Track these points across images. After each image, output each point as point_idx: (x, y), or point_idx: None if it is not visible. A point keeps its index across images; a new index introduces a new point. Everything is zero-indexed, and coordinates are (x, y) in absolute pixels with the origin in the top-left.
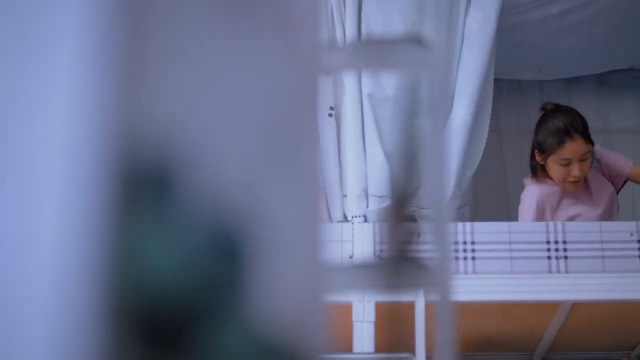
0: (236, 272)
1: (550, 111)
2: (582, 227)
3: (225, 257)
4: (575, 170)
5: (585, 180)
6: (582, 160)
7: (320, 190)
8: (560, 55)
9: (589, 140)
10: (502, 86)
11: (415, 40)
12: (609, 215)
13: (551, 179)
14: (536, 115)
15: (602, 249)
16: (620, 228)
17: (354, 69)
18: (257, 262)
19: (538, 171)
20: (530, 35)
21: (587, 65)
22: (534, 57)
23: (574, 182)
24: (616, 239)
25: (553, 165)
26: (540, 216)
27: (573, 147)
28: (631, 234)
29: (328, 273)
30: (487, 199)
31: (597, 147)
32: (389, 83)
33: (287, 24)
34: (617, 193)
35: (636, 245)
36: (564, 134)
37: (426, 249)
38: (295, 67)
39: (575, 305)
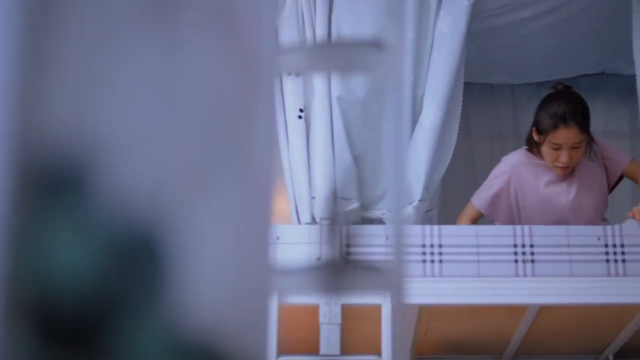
0: (152, 273)
1: (557, 93)
2: (550, 230)
3: (140, 258)
4: (563, 157)
5: (575, 168)
6: (573, 148)
7: (268, 191)
8: (531, 59)
9: (585, 131)
10: (473, 90)
11: (374, 44)
12: (589, 208)
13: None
14: (507, 119)
15: (569, 253)
16: (588, 232)
17: (312, 71)
18: (175, 264)
19: (533, 146)
20: (501, 39)
21: (558, 70)
22: (505, 61)
23: (561, 167)
24: (583, 243)
25: (545, 147)
26: (505, 184)
27: (565, 134)
28: (598, 238)
29: (271, 275)
30: (457, 202)
31: (598, 139)
32: (359, 86)
33: (226, 25)
34: (613, 187)
35: (603, 250)
36: (559, 120)
37: (384, 251)
38: (231, 67)
39: (542, 309)
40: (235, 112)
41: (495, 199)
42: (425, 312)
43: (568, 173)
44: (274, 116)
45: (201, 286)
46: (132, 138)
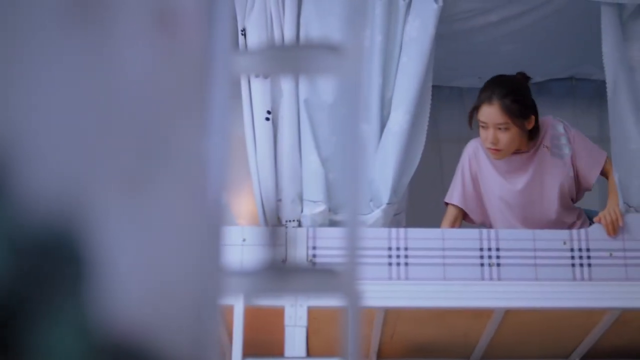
0: (67, 273)
1: (513, 76)
2: (516, 234)
3: (55, 258)
4: (489, 136)
5: (531, 160)
6: (499, 129)
7: (211, 192)
8: (500, 63)
9: (512, 114)
10: (443, 93)
11: (332, 47)
12: (539, 202)
13: None
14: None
15: (534, 257)
16: (554, 236)
17: (267, 74)
18: (93, 263)
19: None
20: (469, 43)
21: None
22: (473, 64)
23: (492, 149)
24: (549, 247)
25: (480, 128)
26: (468, 172)
27: (488, 112)
28: (564, 243)
29: (215, 276)
30: (426, 206)
31: (574, 133)
32: (326, 89)
33: (167, 25)
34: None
35: (569, 254)
36: (485, 97)
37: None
38: (171, 68)
39: (508, 313)
40: (172, 112)
41: (465, 190)
42: (392, 315)
43: (500, 157)
44: (225, 119)
45: (123, 286)
46: (49, 138)
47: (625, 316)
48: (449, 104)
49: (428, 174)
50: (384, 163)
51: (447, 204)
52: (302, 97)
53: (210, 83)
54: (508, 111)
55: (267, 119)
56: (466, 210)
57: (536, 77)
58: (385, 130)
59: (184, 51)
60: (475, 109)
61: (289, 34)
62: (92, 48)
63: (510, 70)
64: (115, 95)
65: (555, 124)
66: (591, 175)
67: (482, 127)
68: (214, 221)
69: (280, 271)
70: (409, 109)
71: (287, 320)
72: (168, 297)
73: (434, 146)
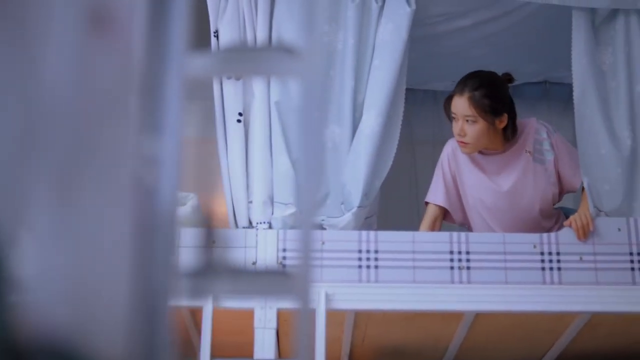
0: None
1: (491, 72)
2: (486, 237)
3: None
4: (457, 128)
5: (515, 164)
6: (467, 121)
7: (141, 193)
8: (473, 66)
9: (482, 109)
10: (417, 96)
11: (286, 48)
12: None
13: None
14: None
15: (505, 260)
16: (524, 240)
17: (223, 75)
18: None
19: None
20: (443, 46)
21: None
22: (447, 68)
23: (460, 142)
24: (519, 251)
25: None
26: (447, 177)
27: (457, 103)
28: (534, 246)
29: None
30: (399, 209)
31: (556, 138)
32: (296, 91)
33: (101, 25)
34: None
35: (539, 257)
36: (457, 88)
37: (320, 256)
38: (103, 68)
39: (479, 316)
40: (105, 114)
41: (447, 190)
42: (363, 317)
43: (467, 151)
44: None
45: (45, 288)
46: None
47: (595, 320)
48: (423, 107)
49: (402, 177)
50: (356, 166)
51: (427, 203)
52: (273, 99)
53: (155, 84)
54: (477, 104)
55: (239, 120)
56: (449, 210)
57: None
58: (357, 133)
59: (120, 51)
60: (448, 99)
61: (261, 36)
62: (8, 45)
63: None
64: (38, 97)
65: (539, 128)
66: (576, 179)
67: (453, 118)
68: (161, 223)
69: (231, 273)
70: (381, 112)
71: (257, 323)
72: (95, 299)
73: (408, 149)
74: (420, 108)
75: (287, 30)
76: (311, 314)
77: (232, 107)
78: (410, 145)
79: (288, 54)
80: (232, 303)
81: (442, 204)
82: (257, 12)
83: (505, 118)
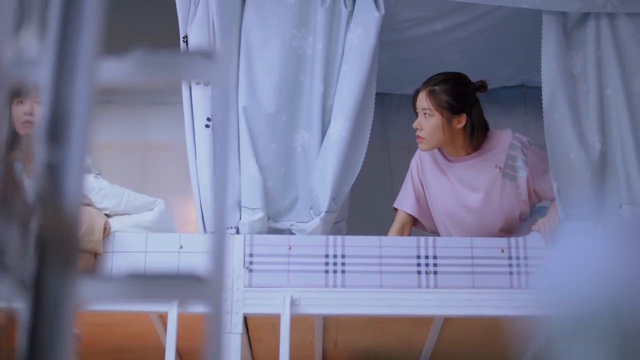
0: None
1: (457, 73)
2: (453, 242)
3: None
4: (415, 121)
5: (483, 178)
6: (425, 114)
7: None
8: (448, 70)
9: (439, 104)
10: (393, 101)
11: (199, 53)
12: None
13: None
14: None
15: (472, 265)
16: (492, 244)
17: (136, 81)
18: None
19: None
20: (417, 51)
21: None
22: (422, 72)
23: (418, 138)
24: (487, 255)
25: None
26: (416, 184)
27: (418, 97)
28: (502, 250)
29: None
30: (375, 214)
31: (531, 155)
32: (266, 97)
33: None
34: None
35: (507, 262)
36: (422, 84)
37: (287, 261)
38: None
39: (448, 321)
40: None
41: (417, 197)
42: (332, 322)
43: (424, 148)
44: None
45: None
46: None
47: None
48: (399, 112)
49: (377, 182)
50: (324, 171)
51: (395, 209)
52: (240, 104)
53: (62, 89)
54: (434, 97)
55: (207, 125)
56: (419, 218)
57: None
58: (325, 138)
59: None
60: (415, 95)
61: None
62: None
63: None
64: None
65: (513, 144)
66: (553, 192)
67: (416, 113)
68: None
69: (141, 277)
70: (349, 117)
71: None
72: None
73: (384, 154)
74: (395, 113)
75: (256, 35)
76: (223, 319)
77: (201, 112)
78: (386, 150)
79: (203, 58)
80: (124, 307)
81: (410, 212)
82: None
83: (463, 118)
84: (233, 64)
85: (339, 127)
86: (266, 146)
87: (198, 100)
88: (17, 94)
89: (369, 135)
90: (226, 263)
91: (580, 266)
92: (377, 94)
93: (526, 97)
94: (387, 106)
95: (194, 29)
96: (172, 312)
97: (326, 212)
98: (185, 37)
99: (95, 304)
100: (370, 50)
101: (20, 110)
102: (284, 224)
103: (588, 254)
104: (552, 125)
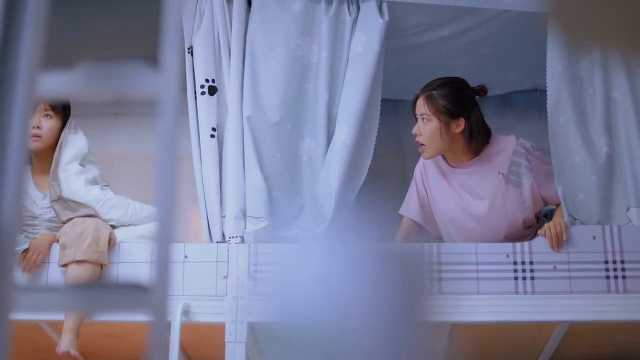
0: None
1: (455, 78)
2: (458, 248)
3: None
4: (415, 127)
5: (485, 185)
6: (423, 120)
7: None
8: (458, 76)
9: (437, 109)
10: (405, 108)
11: (147, 63)
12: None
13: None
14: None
15: (477, 271)
16: (497, 250)
17: (85, 93)
18: None
19: None
20: (426, 57)
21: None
22: (430, 78)
23: (418, 144)
24: (492, 261)
25: None
26: (421, 191)
27: (417, 103)
28: (507, 256)
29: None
30: (390, 220)
31: (535, 161)
32: (270, 106)
33: None
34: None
35: (512, 267)
36: (421, 90)
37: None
38: None
39: (456, 327)
40: None
41: (421, 203)
42: None
43: (426, 155)
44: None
45: None
46: None
47: (578, 328)
48: (412, 118)
49: (392, 187)
50: (328, 179)
51: (401, 216)
52: (245, 113)
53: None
54: (431, 102)
55: (212, 135)
56: (423, 224)
57: (497, 89)
58: (330, 146)
59: None
60: (414, 101)
61: (235, 51)
62: None
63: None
64: None
65: (517, 150)
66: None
67: (417, 119)
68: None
69: (84, 288)
70: (353, 125)
71: (227, 337)
72: None
73: (398, 160)
74: (409, 119)
75: (261, 44)
76: (166, 328)
77: (206, 122)
78: (400, 157)
79: (148, 69)
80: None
81: (414, 218)
82: (232, 27)
83: (462, 122)
84: (178, 75)
85: (343, 135)
86: (271, 155)
87: (203, 110)
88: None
89: (374, 143)
90: (170, 273)
91: (300, 277)
92: (390, 100)
93: (540, 101)
94: (400, 113)
95: (199, 39)
96: (175, 322)
97: (331, 219)
98: (190, 47)
99: (36, 314)
100: (374, 57)
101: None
102: (289, 232)
103: (306, 267)
104: (557, 128)
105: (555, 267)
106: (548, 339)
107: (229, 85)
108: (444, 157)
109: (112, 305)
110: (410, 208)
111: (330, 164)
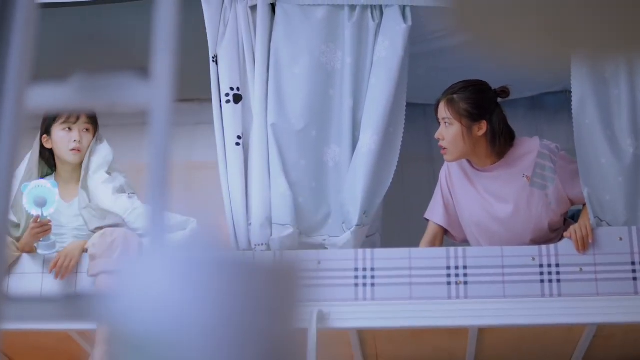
0: None
1: (476, 80)
2: (484, 252)
3: None
4: (437, 132)
5: (510, 188)
6: (445, 124)
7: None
8: (488, 79)
9: (458, 112)
10: (432, 112)
11: (138, 74)
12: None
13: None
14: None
15: (503, 274)
16: (523, 253)
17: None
18: None
19: None
20: (451, 61)
21: (520, 88)
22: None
23: (441, 149)
24: (518, 264)
25: None
26: (446, 195)
27: (439, 107)
28: (533, 259)
29: None
30: (420, 225)
31: (560, 162)
32: (295, 113)
33: None
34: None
35: (538, 270)
36: (442, 94)
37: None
38: None
39: (485, 330)
40: None
41: (447, 208)
42: (369, 335)
43: (449, 159)
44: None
45: None
46: None
47: (608, 330)
48: None
49: (421, 193)
50: (354, 185)
51: (427, 220)
52: (270, 121)
53: None
54: (453, 106)
55: (238, 144)
56: (448, 229)
57: (529, 91)
58: (355, 151)
59: None
60: (436, 105)
61: (260, 59)
62: None
63: (498, 86)
64: None
65: (542, 152)
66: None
67: (439, 123)
68: None
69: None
70: (378, 130)
71: None
72: None
73: (428, 165)
74: (438, 123)
75: (285, 52)
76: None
77: (232, 130)
78: (430, 162)
79: (138, 80)
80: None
81: (439, 222)
82: (256, 35)
83: (484, 125)
84: (170, 85)
85: (368, 140)
86: (296, 162)
87: (228, 118)
88: (64, 120)
89: (399, 147)
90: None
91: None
92: (418, 105)
93: (570, 103)
94: (429, 117)
95: (224, 48)
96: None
97: (357, 225)
98: (215, 56)
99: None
100: (398, 62)
101: (68, 137)
102: (316, 239)
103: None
104: (583, 130)
105: (581, 269)
106: (578, 341)
107: (254, 93)
108: (468, 161)
109: (89, 315)
110: (435, 212)
111: (355, 170)
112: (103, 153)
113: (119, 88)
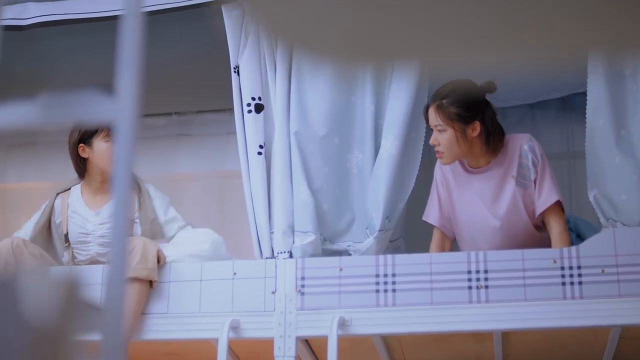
0: None
1: (463, 80)
2: (504, 255)
3: None
4: (432, 137)
5: (503, 189)
6: (438, 130)
7: None
8: (508, 82)
9: (449, 117)
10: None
11: (104, 91)
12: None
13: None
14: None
15: (524, 277)
16: (544, 255)
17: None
18: None
19: None
20: None
21: (548, 88)
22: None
23: (437, 153)
24: (539, 267)
25: None
26: (441, 194)
27: (429, 113)
28: (554, 261)
29: None
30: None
31: (541, 164)
32: (317, 121)
33: None
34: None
35: (559, 272)
36: (430, 99)
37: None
38: None
39: (509, 334)
40: None
41: (440, 207)
42: (395, 341)
43: (445, 162)
44: None
45: None
46: None
47: (634, 331)
48: None
49: None
50: (376, 190)
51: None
52: (292, 129)
53: None
54: (443, 112)
55: (260, 153)
56: (442, 228)
57: (558, 92)
58: (377, 157)
59: None
60: (425, 110)
61: (281, 68)
62: None
63: (518, 90)
64: None
65: (526, 152)
66: (550, 196)
67: (431, 129)
68: None
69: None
70: (399, 135)
71: (277, 351)
72: None
73: None
74: None
75: (307, 60)
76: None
77: (254, 139)
78: None
79: (104, 97)
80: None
81: (433, 222)
82: (277, 47)
83: (477, 126)
84: (135, 101)
85: (389, 145)
86: (319, 169)
87: (250, 128)
88: (106, 134)
89: (421, 152)
90: (123, 293)
91: None
92: None
93: None
94: None
95: (245, 58)
96: (223, 337)
97: (379, 230)
98: (237, 67)
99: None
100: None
101: (111, 149)
102: (340, 245)
103: None
104: (596, 132)
105: (603, 270)
106: (605, 344)
107: (275, 102)
108: (461, 162)
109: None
110: (430, 213)
111: (377, 175)
112: (159, 194)
113: (84, 105)
